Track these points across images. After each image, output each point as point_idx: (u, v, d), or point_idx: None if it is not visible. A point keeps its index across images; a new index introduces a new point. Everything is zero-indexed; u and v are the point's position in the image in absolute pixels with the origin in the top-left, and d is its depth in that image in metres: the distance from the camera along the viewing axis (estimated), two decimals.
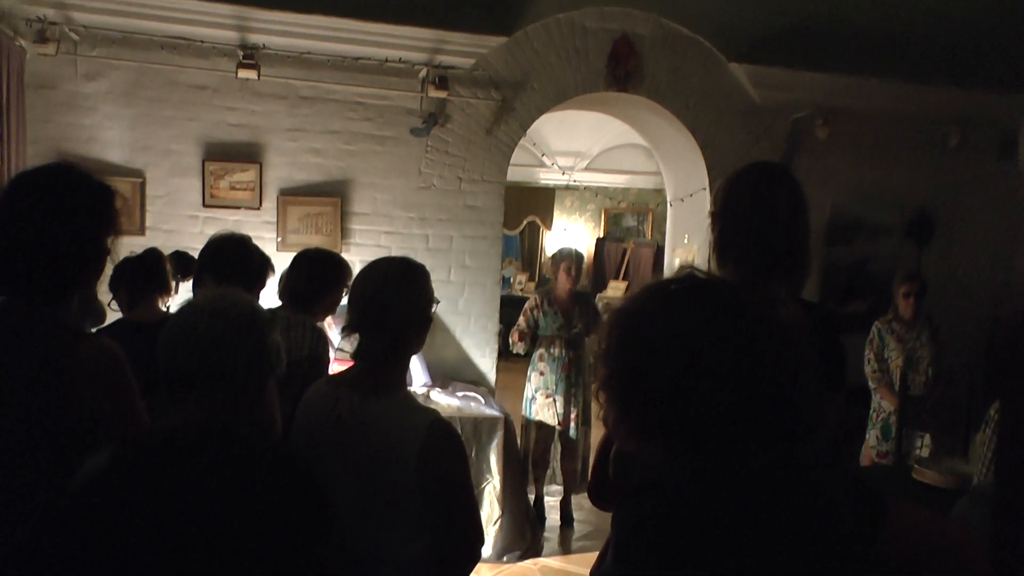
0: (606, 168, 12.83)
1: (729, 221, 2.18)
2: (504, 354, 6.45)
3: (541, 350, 5.94)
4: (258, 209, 5.82)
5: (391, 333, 2.06)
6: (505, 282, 13.55)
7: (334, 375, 2.26)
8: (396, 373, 2.12)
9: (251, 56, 5.59)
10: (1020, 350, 1.20)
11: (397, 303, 2.06)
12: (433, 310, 2.14)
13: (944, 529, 1.34)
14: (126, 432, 1.82)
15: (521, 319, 6.00)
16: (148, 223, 5.63)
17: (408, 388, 5.50)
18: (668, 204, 7.62)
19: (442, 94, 5.88)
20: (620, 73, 6.32)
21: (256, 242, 4.93)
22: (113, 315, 3.66)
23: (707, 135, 6.57)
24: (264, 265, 3.49)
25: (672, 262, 7.41)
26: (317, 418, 2.09)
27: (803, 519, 1.17)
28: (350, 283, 2.32)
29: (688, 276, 1.30)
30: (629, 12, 6.28)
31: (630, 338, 1.25)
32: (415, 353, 2.15)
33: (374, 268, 2.13)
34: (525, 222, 13.79)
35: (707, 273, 1.32)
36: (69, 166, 2.01)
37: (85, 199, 1.96)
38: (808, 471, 1.21)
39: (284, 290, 3.51)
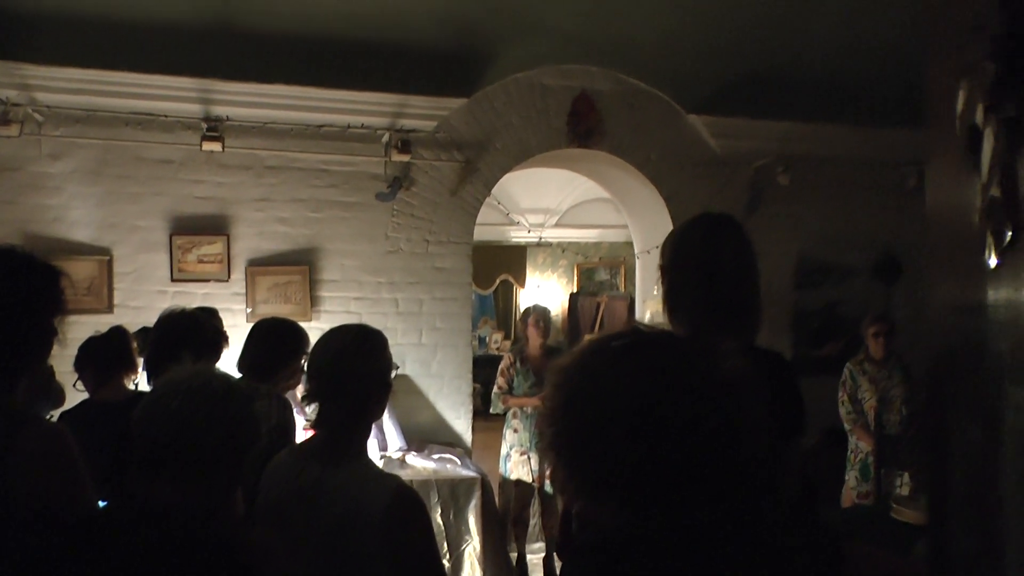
0: (576, 223, 12.93)
1: (678, 274, 2.19)
2: (482, 413, 6.43)
3: (515, 408, 5.93)
4: (227, 281, 5.81)
5: (351, 401, 2.06)
6: (481, 342, 13.53)
7: (295, 445, 2.25)
8: (357, 441, 2.11)
9: (215, 128, 5.64)
10: (936, 389, 1.22)
11: (355, 371, 2.06)
12: (393, 375, 2.14)
13: (903, 569, 1.34)
14: (66, 517, 1.79)
15: (500, 379, 6.01)
16: (116, 300, 5.61)
17: (383, 453, 5.44)
18: (636, 256, 7.68)
19: (406, 158, 5.94)
20: (581, 130, 6.42)
21: (226, 314, 4.98)
22: (80, 395, 3.63)
23: (670, 187, 6.66)
24: (217, 338, 3.47)
25: (643, 314, 7.44)
26: (280, 489, 2.08)
27: (755, 573, 1.16)
28: (309, 351, 2.32)
29: (631, 332, 1.30)
30: (587, 69, 6.40)
31: (575, 396, 1.24)
32: (376, 419, 2.15)
33: (331, 336, 2.13)
34: (498, 281, 13.83)
35: (650, 328, 1.32)
36: (10, 249, 2.00)
37: (26, 282, 1.95)
38: (760, 524, 1.21)
39: (244, 362, 3.49)
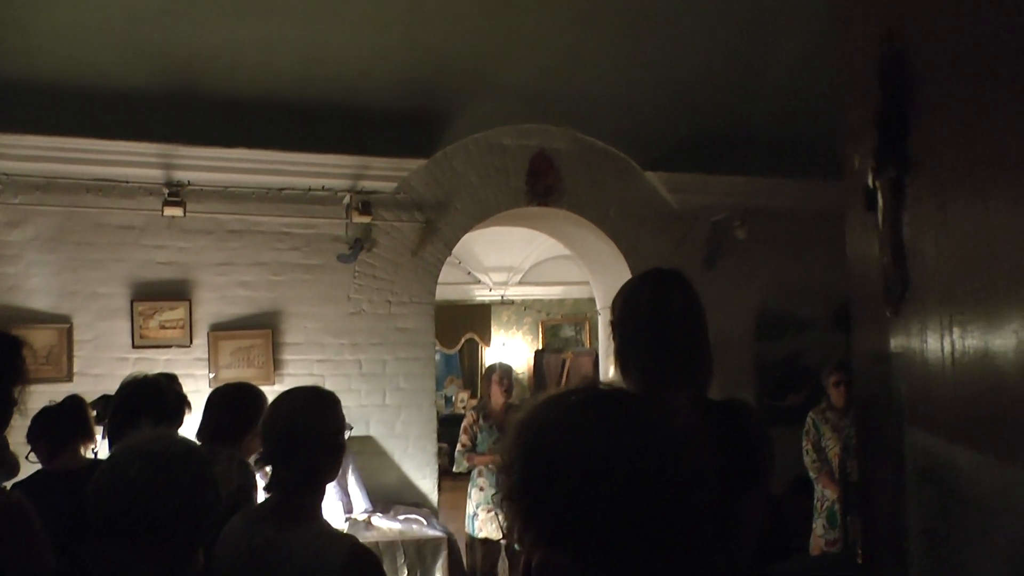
0: (540, 281, 13.01)
1: (628, 329, 2.23)
2: (449, 473, 6.40)
3: (480, 466, 5.92)
4: (189, 346, 5.79)
5: (304, 463, 2.07)
6: (447, 401, 13.49)
7: (249, 509, 2.25)
8: (311, 502, 2.12)
9: (177, 193, 5.66)
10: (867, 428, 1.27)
11: (308, 433, 2.07)
12: (347, 435, 2.16)
13: None
14: None
15: (464, 436, 6.00)
16: (76, 368, 5.55)
17: (348, 515, 5.38)
18: (599, 312, 7.75)
19: (366, 219, 5.99)
20: (540, 188, 6.51)
21: (188, 380, 4.96)
22: (33, 466, 3.58)
23: (629, 243, 6.76)
24: (179, 404, 3.46)
25: (607, 370, 7.49)
26: (233, 553, 2.07)
27: None
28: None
29: (586, 387, 1.34)
30: (545, 128, 6.52)
31: (530, 450, 1.27)
32: (330, 480, 2.16)
33: (283, 399, 2.15)
34: (463, 339, 13.84)
35: (605, 384, 1.36)
36: None
37: None
38: (715, 573, 1.23)
39: (206, 429, 3.47)
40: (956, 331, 0.76)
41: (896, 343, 0.98)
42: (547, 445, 1.25)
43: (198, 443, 2.08)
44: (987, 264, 0.72)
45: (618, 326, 2.26)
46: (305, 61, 5.76)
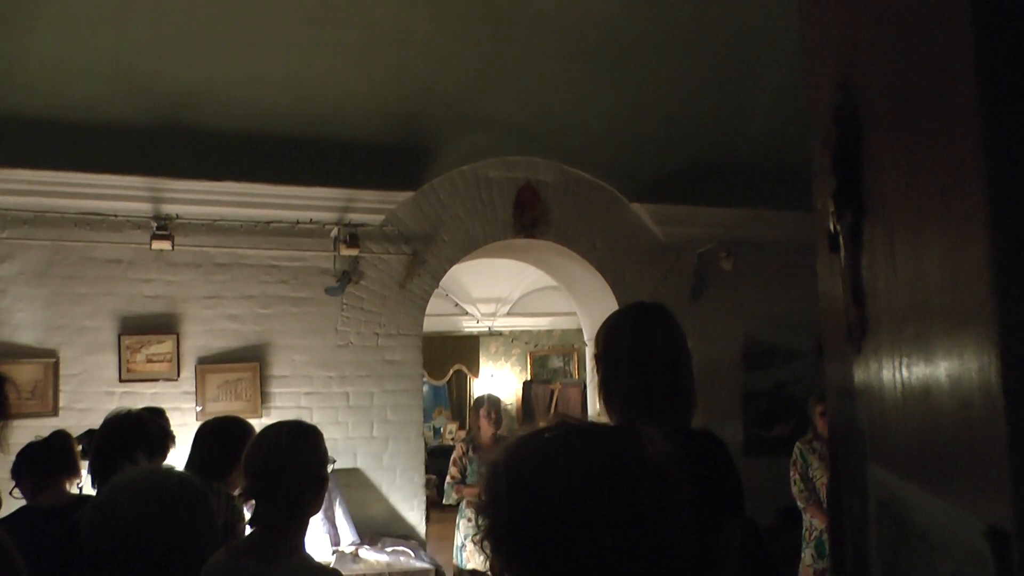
0: (528, 312, 13.03)
1: (610, 363, 2.26)
2: (438, 504, 6.38)
3: (469, 497, 5.90)
4: (176, 380, 5.78)
5: (286, 498, 2.08)
6: (436, 432, 13.46)
7: (232, 544, 2.24)
8: (294, 536, 2.13)
9: (165, 227, 5.67)
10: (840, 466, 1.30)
11: (290, 467, 2.08)
12: (329, 469, 2.17)
13: None
14: None
15: (453, 469, 6.00)
16: (62, 403, 5.52)
17: (335, 548, 5.35)
18: (586, 343, 7.77)
19: (354, 252, 6.01)
20: (527, 220, 6.55)
21: (175, 413, 4.95)
22: (17, 502, 3.56)
23: (616, 274, 6.80)
24: (164, 438, 3.46)
25: (595, 401, 7.50)
26: None
27: None
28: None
29: (559, 424, 1.36)
30: (531, 160, 6.57)
31: (507, 487, 1.30)
32: (313, 514, 2.17)
33: (266, 434, 2.16)
34: (452, 371, 13.82)
35: (578, 419, 1.39)
36: None
37: None
38: None
39: (194, 462, 3.47)
40: (904, 371, 0.80)
41: (859, 379, 1.02)
42: (521, 484, 1.28)
43: (194, 477, 2.07)
44: (924, 309, 0.76)
45: (601, 359, 2.29)
46: (292, 95, 5.81)
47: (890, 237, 0.84)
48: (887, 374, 0.86)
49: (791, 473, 5.87)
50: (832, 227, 1.02)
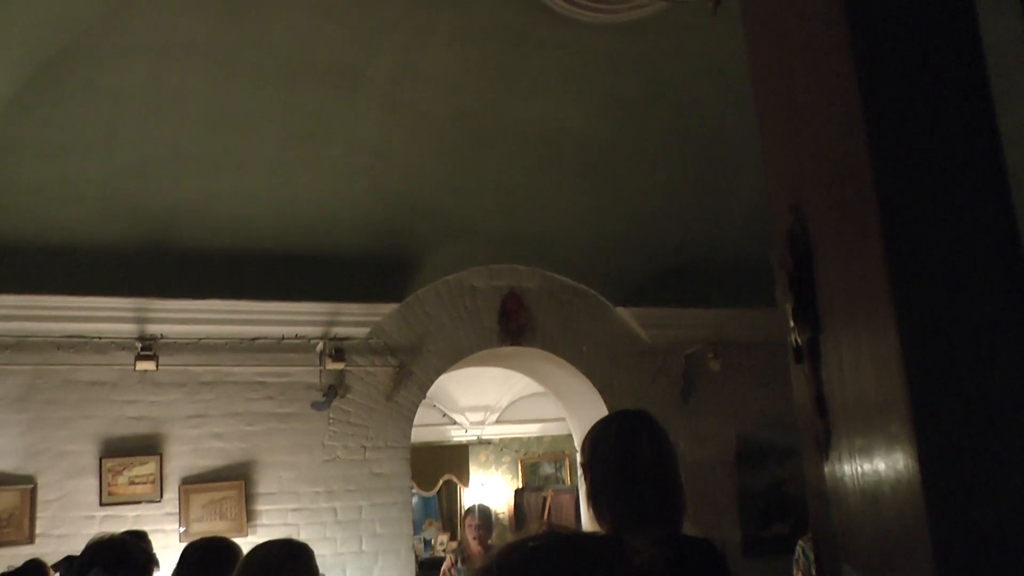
0: (517, 419, 12.95)
1: (597, 471, 2.27)
2: None
3: None
4: (159, 501, 5.68)
5: None
6: (426, 544, 13.18)
7: None
8: None
9: (149, 347, 5.67)
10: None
11: None
12: None
13: None
14: None
15: None
16: (39, 530, 5.38)
17: None
18: (576, 449, 7.72)
19: (340, 366, 6.02)
20: (512, 327, 6.60)
21: (157, 535, 4.86)
22: None
23: (603, 378, 6.81)
24: (148, 562, 3.40)
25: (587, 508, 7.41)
26: None
27: None
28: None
29: (544, 533, 1.37)
30: (515, 268, 6.66)
31: None
32: None
33: (256, 553, 2.14)
34: (441, 481, 13.62)
35: (565, 528, 1.40)
36: None
37: None
38: None
39: None
40: (860, 477, 0.84)
41: (829, 484, 1.05)
42: None
43: None
44: (866, 417, 0.81)
45: (588, 468, 2.29)
46: (275, 211, 5.91)
47: (839, 351, 0.88)
48: (849, 479, 0.90)
49: (794, 572, 5.76)
50: (794, 341, 1.07)
